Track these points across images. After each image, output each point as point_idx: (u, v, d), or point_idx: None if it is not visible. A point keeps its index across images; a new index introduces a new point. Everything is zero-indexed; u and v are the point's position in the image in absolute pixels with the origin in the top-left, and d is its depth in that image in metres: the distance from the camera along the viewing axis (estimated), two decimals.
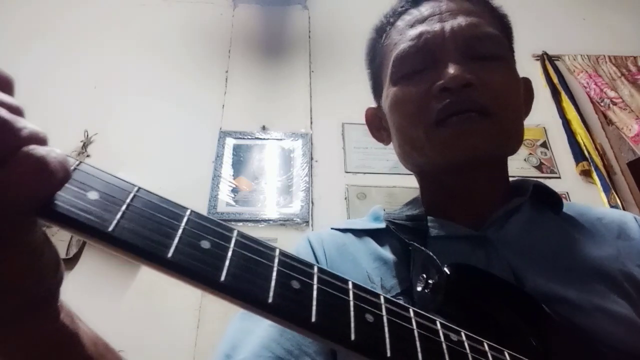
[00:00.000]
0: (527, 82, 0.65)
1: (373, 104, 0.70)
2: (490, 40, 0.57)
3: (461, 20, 0.57)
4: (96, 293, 1.60)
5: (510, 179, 0.66)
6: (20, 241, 0.25)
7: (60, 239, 1.64)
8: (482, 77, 0.54)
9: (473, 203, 0.58)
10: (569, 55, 2.47)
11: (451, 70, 0.53)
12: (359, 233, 0.60)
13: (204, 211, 2.11)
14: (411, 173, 0.66)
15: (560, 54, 2.48)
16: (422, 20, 0.59)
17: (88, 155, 1.98)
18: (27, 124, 0.25)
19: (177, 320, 1.64)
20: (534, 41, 2.50)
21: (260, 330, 0.50)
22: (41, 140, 0.25)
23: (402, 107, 0.58)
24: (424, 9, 0.60)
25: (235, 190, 1.96)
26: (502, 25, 0.63)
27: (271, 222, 1.88)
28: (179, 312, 1.64)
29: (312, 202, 1.96)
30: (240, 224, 1.86)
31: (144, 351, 1.53)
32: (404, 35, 0.60)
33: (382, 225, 0.60)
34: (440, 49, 0.56)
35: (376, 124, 0.69)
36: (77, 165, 0.27)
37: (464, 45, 0.56)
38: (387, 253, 0.56)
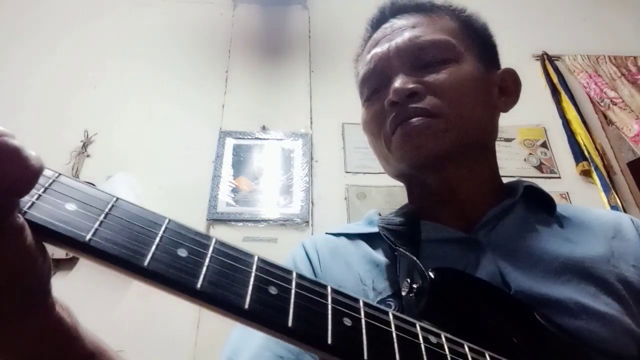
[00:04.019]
0: (508, 73, 0.66)
1: None
2: (434, 47, 0.59)
3: (405, 35, 0.61)
4: (96, 293, 1.60)
5: (510, 179, 0.66)
6: (10, 231, 0.25)
7: None
8: (427, 82, 0.57)
9: (460, 204, 0.59)
10: (569, 55, 2.47)
11: (395, 84, 0.57)
12: (352, 237, 0.62)
13: (204, 211, 2.09)
14: None
15: (560, 54, 2.48)
16: (375, 44, 0.64)
17: (88, 155, 1.98)
18: None
19: (177, 320, 1.64)
20: (534, 41, 2.50)
21: (260, 332, 0.50)
22: (10, 136, 0.25)
23: (368, 126, 0.64)
24: (379, 33, 0.65)
25: (235, 190, 1.96)
26: (462, 24, 0.64)
27: (271, 222, 1.88)
28: (179, 312, 1.64)
29: (312, 202, 1.96)
30: (240, 224, 1.86)
31: (144, 351, 1.53)
32: (363, 61, 0.66)
33: (375, 229, 0.61)
34: (388, 66, 0.60)
35: None
36: (56, 177, 0.28)
37: (409, 57, 0.59)
38: (379, 256, 0.57)
